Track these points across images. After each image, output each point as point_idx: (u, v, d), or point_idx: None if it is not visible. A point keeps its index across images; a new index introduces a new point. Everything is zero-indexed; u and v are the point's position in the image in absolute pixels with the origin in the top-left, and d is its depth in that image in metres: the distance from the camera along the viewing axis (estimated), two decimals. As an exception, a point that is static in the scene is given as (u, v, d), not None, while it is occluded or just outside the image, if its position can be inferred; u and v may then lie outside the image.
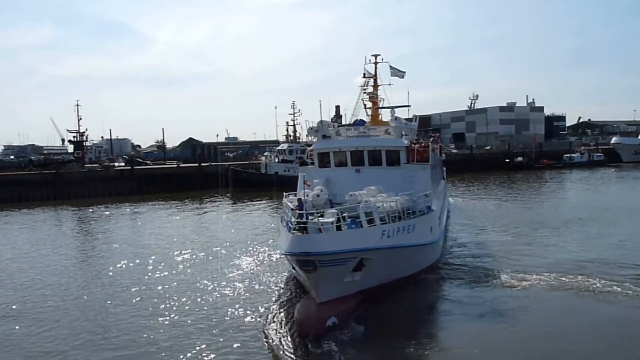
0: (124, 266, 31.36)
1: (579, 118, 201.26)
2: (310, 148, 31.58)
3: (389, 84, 35.78)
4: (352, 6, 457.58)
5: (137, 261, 32.41)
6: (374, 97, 35.49)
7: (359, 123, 32.82)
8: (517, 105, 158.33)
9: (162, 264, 31.44)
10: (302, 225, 20.02)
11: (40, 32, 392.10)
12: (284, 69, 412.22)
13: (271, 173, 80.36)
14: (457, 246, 34.56)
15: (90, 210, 62.26)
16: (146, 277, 28.64)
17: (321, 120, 31.33)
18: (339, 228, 20.84)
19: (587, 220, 42.12)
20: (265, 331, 19.93)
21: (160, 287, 26.34)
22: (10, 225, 52.09)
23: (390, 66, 35.70)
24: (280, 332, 19.65)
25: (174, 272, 29.52)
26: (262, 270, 29.00)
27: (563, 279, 25.19)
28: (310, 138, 31.29)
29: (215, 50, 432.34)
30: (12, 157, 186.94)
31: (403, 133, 31.07)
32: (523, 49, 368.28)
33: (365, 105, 35.95)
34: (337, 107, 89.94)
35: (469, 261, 29.96)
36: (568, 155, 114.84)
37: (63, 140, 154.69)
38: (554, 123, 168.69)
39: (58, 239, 43.08)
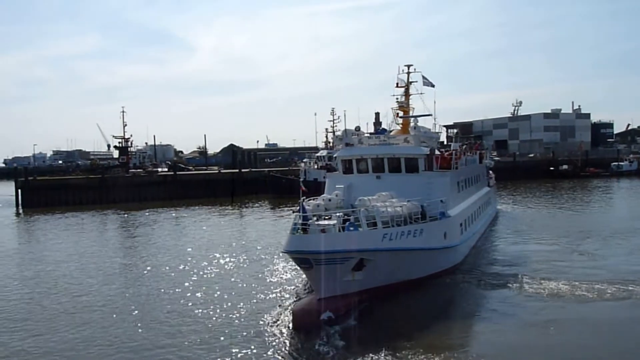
0: (165, 268, 32.17)
1: (628, 125, 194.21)
2: (335, 155, 32.41)
3: (421, 93, 37.01)
4: (406, 7, 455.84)
5: (179, 263, 33.22)
6: (403, 106, 36.34)
7: (381, 132, 33.53)
8: (562, 112, 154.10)
9: (202, 266, 32.19)
10: (302, 226, 21.71)
11: (88, 41, 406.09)
12: (330, 75, 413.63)
13: (310, 180, 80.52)
14: (491, 252, 34.38)
15: (134, 214, 63.83)
16: (187, 278, 29.29)
17: (345, 129, 32.69)
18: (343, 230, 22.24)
19: (637, 231, 40.48)
20: (270, 324, 21.20)
21: (197, 288, 27.09)
22: (59, 228, 53.89)
23: (423, 76, 36.98)
24: (280, 325, 21.00)
25: (212, 273, 30.41)
26: (293, 272, 29.33)
27: (603, 288, 24.43)
28: (336, 146, 31.97)
29: (258, 57, 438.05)
30: (60, 161, 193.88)
31: (422, 141, 31.65)
32: (570, 54, 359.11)
33: (397, 114, 36.95)
34: (377, 114, 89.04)
35: (497, 267, 29.75)
36: (616, 163, 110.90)
37: (109, 145, 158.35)
38: (601, 130, 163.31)
39: (104, 242, 44.35)
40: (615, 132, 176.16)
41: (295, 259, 22.35)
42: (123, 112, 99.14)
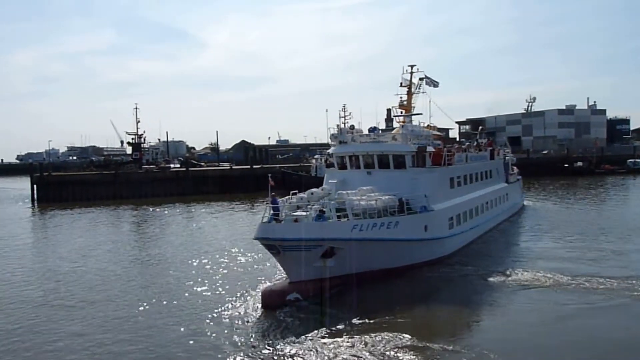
0: (174, 261, 33.25)
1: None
2: (331, 152, 34.51)
3: (422, 92, 38.94)
4: (416, 3, 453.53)
5: (188, 256, 34.07)
6: (403, 105, 38.33)
7: (372, 130, 34.91)
8: (577, 107, 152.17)
9: (208, 258, 33.30)
10: (274, 216, 24.17)
11: (102, 38, 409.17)
12: (340, 71, 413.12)
13: (321, 176, 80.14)
14: (492, 246, 35.51)
15: (147, 209, 64.29)
16: (193, 269, 30.26)
17: (340, 128, 34.76)
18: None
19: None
20: (242, 304, 23.33)
21: (198, 277, 28.53)
22: (74, 223, 54.42)
23: (425, 76, 38.89)
24: (250, 305, 23.13)
25: (215, 264, 31.55)
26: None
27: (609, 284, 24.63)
28: (332, 143, 34.86)
29: (269, 54, 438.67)
30: (74, 157, 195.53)
31: (409, 138, 32.99)
32: (586, 49, 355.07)
33: (401, 112, 38.57)
34: (389, 110, 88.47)
35: (491, 261, 30.57)
36: (632, 160, 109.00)
37: (122, 142, 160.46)
38: (616, 126, 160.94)
39: (117, 237, 44.70)
40: (631, 128, 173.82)
41: (264, 245, 24.60)
42: (136, 108, 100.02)
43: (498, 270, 27.90)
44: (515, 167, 57.18)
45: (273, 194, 25.23)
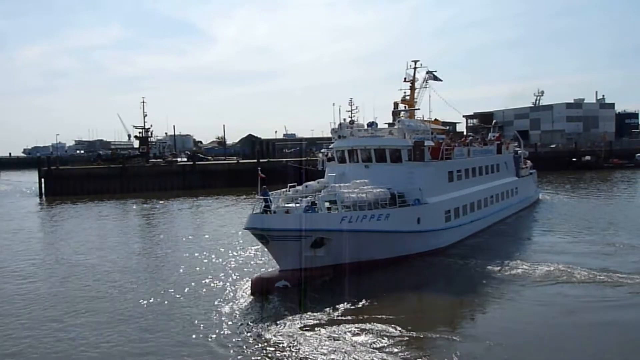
0: (181, 253, 33.48)
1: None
2: (331, 146, 35.23)
3: (426, 86, 39.86)
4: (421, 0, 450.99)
5: (194, 248, 34.53)
6: (406, 100, 39.31)
7: (371, 124, 35.49)
8: (585, 101, 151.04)
9: (214, 250, 33.60)
10: (265, 208, 25.01)
11: (109, 32, 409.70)
12: (348, 65, 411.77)
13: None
14: (496, 238, 35.78)
15: (154, 203, 64.50)
16: (197, 261, 30.85)
17: (340, 123, 35.36)
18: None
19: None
20: (235, 291, 24.37)
21: (203, 268, 29.16)
22: (80, 217, 54.68)
23: (429, 72, 39.86)
24: (241, 291, 24.23)
25: (214, 257, 31.95)
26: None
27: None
28: (332, 138, 35.69)
29: (277, 48, 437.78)
30: (81, 151, 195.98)
31: (405, 133, 33.49)
32: (595, 43, 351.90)
33: (405, 107, 39.39)
34: (396, 104, 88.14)
35: (490, 253, 30.65)
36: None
37: (129, 135, 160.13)
38: (625, 120, 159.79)
39: (124, 230, 45.01)
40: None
41: (254, 234, 25.59)
42: (143, 102, 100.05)
43: (498, 262, 27.90)
44: (528, 161, 57.01)
45: (264, 186, 26.14)
